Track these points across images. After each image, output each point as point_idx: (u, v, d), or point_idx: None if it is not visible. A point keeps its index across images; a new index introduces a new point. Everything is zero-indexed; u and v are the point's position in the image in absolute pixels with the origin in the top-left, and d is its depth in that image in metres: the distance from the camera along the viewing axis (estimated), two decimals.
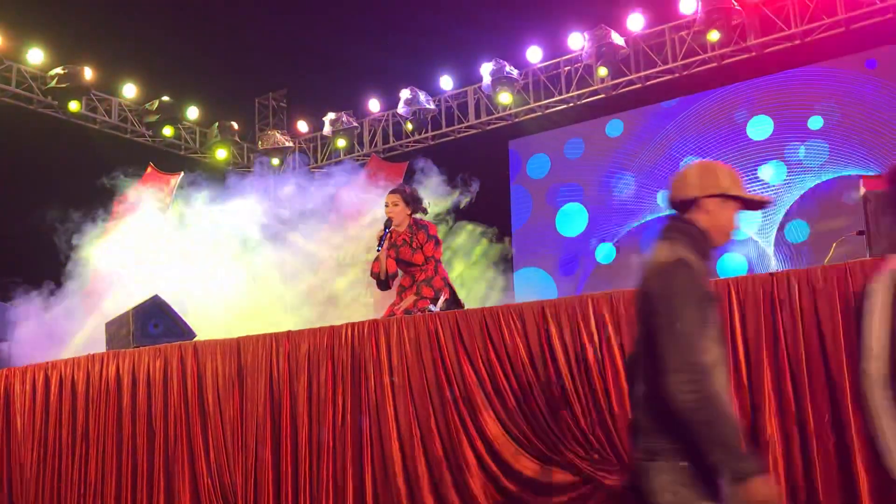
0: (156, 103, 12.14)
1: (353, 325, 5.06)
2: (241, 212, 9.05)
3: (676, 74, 10.87)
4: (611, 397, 4.16)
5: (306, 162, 13.69)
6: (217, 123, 12.89)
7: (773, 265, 10.21)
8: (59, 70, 11.06)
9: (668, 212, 2.80)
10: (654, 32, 10.85)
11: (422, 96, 12.12)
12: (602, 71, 10.83)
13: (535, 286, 11.82)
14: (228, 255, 8.69)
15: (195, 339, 6.19)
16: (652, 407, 2.59)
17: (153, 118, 12.17)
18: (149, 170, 10.08)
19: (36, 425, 6.14)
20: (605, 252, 11.71)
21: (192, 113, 12.96)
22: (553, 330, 4.37)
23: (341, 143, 12.92)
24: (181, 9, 11.69)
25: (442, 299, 5.76)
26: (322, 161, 13.52)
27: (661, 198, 11.27)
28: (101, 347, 6.61)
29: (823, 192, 10.15)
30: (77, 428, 5.94)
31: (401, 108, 12.28)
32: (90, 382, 5.96)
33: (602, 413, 4.19)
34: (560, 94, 11.61)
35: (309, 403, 5.05)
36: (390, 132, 13.00)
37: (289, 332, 5.31)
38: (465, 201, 8.96)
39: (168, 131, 12.36)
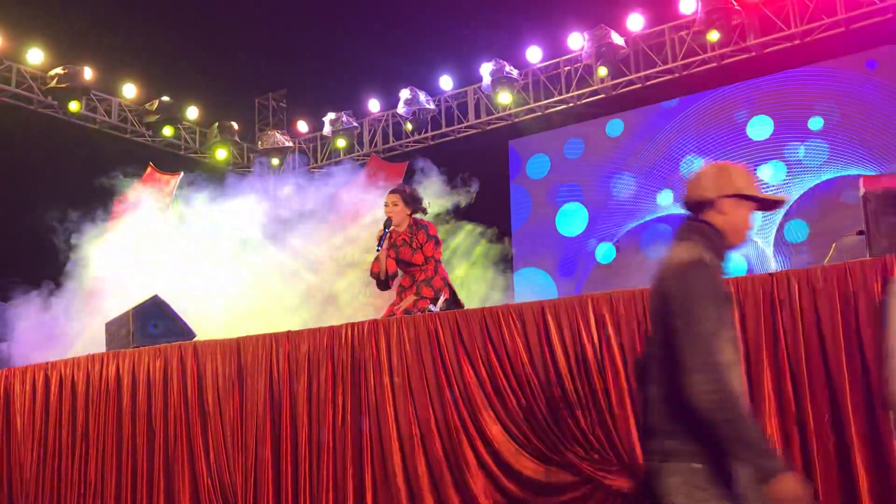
0: (156, 103, 12.14)
1: (353, 325, 5.05)
2: (240, 212, 9.05)
3: (676, 74, 10.87)
4: (611, 397, 4.16)
5: (306, 162, 13.70)
6: (217, 123, 12.89)
7: (773, 265, 10.21)
8: (59, 70, 11.06)
9: (682, 212, 2.80)
10: (654, 32, 10.85)
11: (422, 96, 12.12)
12: (602, 71, 10.83)
13: (535, 286, 11.82)
14: (228, 255, 8.69)
15: (195, 339, 6.19)
16: (668, 408, 2.58)
17: (153, 118, 12.17)
18: (148, 170, 10.09)
19: (36, 425, 6.14)
20: (604, 251, 11.72)
21: (192, 113, 12.96)
22: (553, 330, 4.37)
23: (341, 143, 12.92)
24: (181, 9, 11.68)
25: (442, 299, 5.76)
26: (322, 161, 13.52)
27: (662, 198, 11.28)
28: (101, 347, 6.61)
29: (823, 192, 10.15)
30: (77, 428, 5.94)
31: (401, 108, 12.29)
32: (90, 382, 5.95)
33: (602, 413, 4.19)
34: (560, 94, 11.61)
35: (309, 403, 5.04)
36: (390, 132, 13.00)
37: (289, 333, 5.30)
38: (465, 201, 8.97)
39: (168, 131, 12.36)
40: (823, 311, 3.77)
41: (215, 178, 9.92)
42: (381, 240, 5.92)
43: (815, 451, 3.68)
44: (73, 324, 8.40)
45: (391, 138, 13.00)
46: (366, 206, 8.54)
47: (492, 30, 11.51)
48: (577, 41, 11.07)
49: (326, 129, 12.93)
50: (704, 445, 2.49)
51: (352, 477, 4.80)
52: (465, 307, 5.81)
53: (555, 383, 4.31)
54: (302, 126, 13.78)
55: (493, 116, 12.16)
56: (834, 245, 4.39)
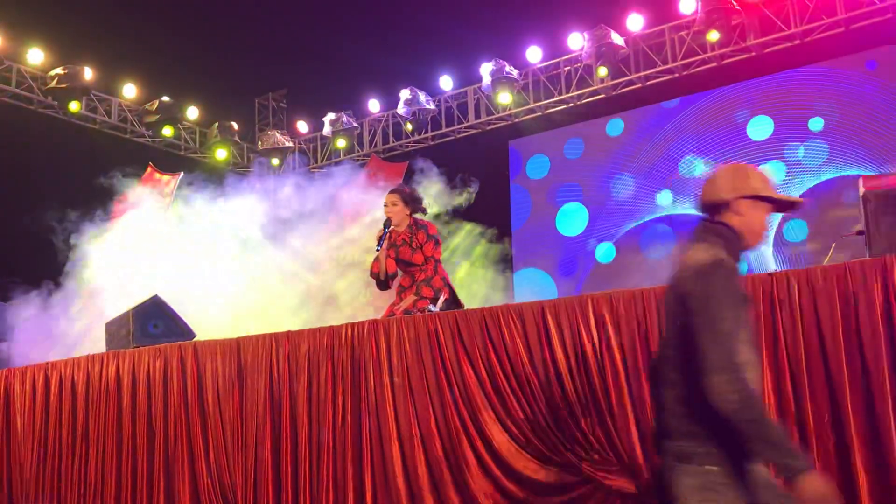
0: (156, 103, 12.14)
1: (352, 325, 5.05)
2: (240, 212, 9.05)
3: (676, 74, 10.88)
4: (611, 397, 4.16)
5: (306, 162, 13.70)
6: (217, 123, 12.89)
7: (772, 265, 10.21)
8: (59, 70, 11.06)
9: (681, 212, 2.80)
10: (654, 32, 10.85)
11: (421, 96, 12.12)
12: (602, 71, 10.83)
13: (534, 286, 11.82)
14: (228, 255, 8.69)
15: (195, 339, 6.19)
16: (684, 409, 2.57)
17: (153, 118, 12.17)
18: (148, 170, 10.09)
19: (36, 425, 6.14)
20: (604, 251, 11.72)
21: (192, 113, 12.96)
22: (553, 330, 4.37)
23: (341, 143, 12.92)
24: (181, 9, 11.68)
25: (441, 299, 5.76)
26: (322, 161, 13.52)
27: (662, 198, 11.28)
28: (100, 347, 6.61)
29: (823, 192, 10.15)
30: (77, 428, 5.94)
31: (401, 109, 12.29)
32: (90, 383, 5.95)
33: (602, 413, 4.19)
34: (560, 94, 11.62)
35: (309, 403, 5.04)
36: (390, 132, 13.00)
37: (289, 333, 5.30)
38: (464, 201, 8.97)
39: (168, 131, 12.36)
40: (823, 311, 3.77)
41: (215, 178, 9.92)
42: (380, 240, 5.92)
43: (815, 451, 3.68)
44: (73, 324, 8.40)
45: (391, 138, 13.00)
46: (366, 207, 8.54)
47: (492, 30, 11.52)
48: (577, 41, 11.07)
49: (326, 130, 12.94)
50: (721, 447, 2.49)
51: (352, 477, 4.80)
52: (465, 307, 5.81)
53: (555, 383, 4.31)
54: (302, 126, 13.78)
55: (493, 116, 12.16)
56: (834, 245, 4.39)
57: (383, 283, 6.08)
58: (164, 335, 6.19)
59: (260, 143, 13.38)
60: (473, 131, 12.47)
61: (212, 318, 7.47)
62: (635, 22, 10.78)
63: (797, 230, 10.27)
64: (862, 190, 4.18)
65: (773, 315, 3.87)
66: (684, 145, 11.33)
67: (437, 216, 8.16)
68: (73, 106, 11.23)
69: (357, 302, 8.02)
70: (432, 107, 12.31)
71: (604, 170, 11.93)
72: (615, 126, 11.94)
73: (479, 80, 11.75)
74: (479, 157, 11.97)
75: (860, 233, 4.22)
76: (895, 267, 3.65)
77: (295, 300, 8.29)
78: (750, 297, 2.74)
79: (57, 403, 6.09)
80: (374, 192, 8.58)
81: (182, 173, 9.87)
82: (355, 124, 12.99)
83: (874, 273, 3.70)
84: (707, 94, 11.24)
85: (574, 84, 11.45)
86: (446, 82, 12.30)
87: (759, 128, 10.80)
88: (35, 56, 11.09)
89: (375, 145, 13.12)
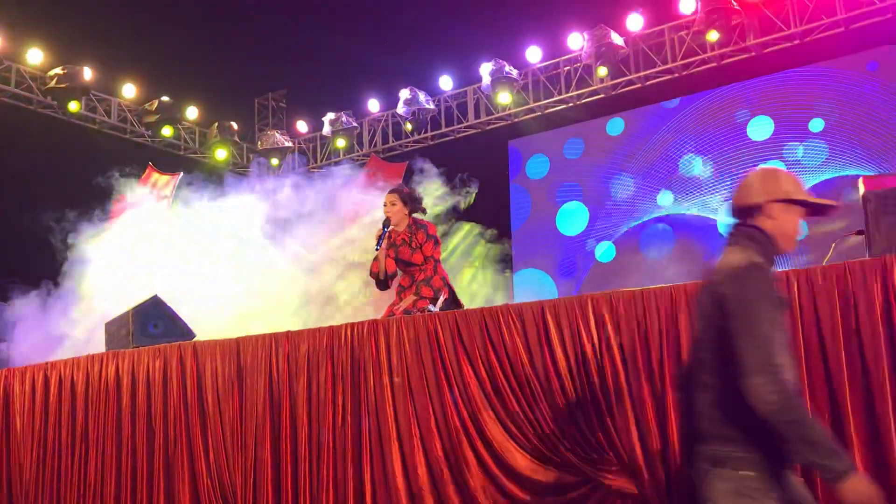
0: (155, 103, 12.14)
1: (352, 325, 5.05)
2: (240, 212, 9.04)
3: (676, 74, 10.88)
4: (611, 397, 4.16)
5: (305, 162, 13.70)
6: (216, 123, 12.89)
7: None
8: (58, 70, 11.06)
9: (732, 219, 2.80)
10: (654, 32, 10.86)
11: (421, 96, 12.12)
12: (601, 71, 10.83)
13: (534, 287, 11.83)
14: (227, 255, 8.68)
15: (195, 339, 6.18)
16: (719, 413, 2.56)
17: (153, 118, 12.17)
18: (148, 170, 10.08)
19: (35, 426, 6.14)
20: (604, 250, 11.72)
21: (192, 113, 12.96)
22: (553, 330, 4.37)
23: (341, 143, 12.92)
24: (181, 9, 11.69)
25: (441, 299, 5.76)
26: (321, 161, 13.52)
27: (662, 198, 11.28)
28: (100, 347, 6.61)
29: (822, 192, 10.15)
30: (76, 428, 5.94)
31: (400, 109, 12.29)
32: (90, 383, 5.95)
33: (602, 413, 4.18)
34: (559, 94, 11.62)
35: (308, 404, 5.04)
36: (390, 132, 13.01)
37: (288, 333, 5.30)
38: (464, 201, 8.96)
39: (167, 131, 12.36)
40: (823, 310, 3.77)
41: (214, 178, 9.91)
42: (380, 239, 5.92)
43: None
44: (73, 324, 8.39)
45: (391, 138, 13.00)
46: (365, 207, 8.53)
47: (492, 30, 11.52)
48: (576, 41, 11.07)
49: (326, 130, 12.93)
50: (759, 451, 2.47)
51: (352, 477, 4.80)
52: (465, 307, 5.81)
53: (555, 383, 4.31)
54: (301, 126, 13.78)
55: (493, 116, 12.16)
56: (833, 245, 4.39)
57: (383, 283, 6.08)
58: (164, 335, 6.18)
59: (259, 143, 13.37)
60: (473, 131, 12.47)
61: (211, 319, 7.47)
62: (635, 22, 10.78)
63: None
64: (862, 190, 4.18)
65: None
66: (684, 145, 11.33)
67: (436, 216, 8.16)
68: (73, 106, 11.23)
69: (357, 302, 8.02)
70: (432, 107, 12.31)
71: (603, 170, 11.94)
72: (615, 125, 11.95)
73: (479, 79, 11.75)
74: (479, 157, 11.96)
75: (860, 233, 4.22)
76: (895, 267, 3.65)
77: (295, 300, 8.28)
78: (786, 301, 2.73)
79: (56, 403, 6.08)
80: (373, 192, 8.57)
81: (182, 173, 9.87)
82: (355, 124, 12.99)
83: (874, 273, 3.69)
84: (707, 93, 11.25)
85: (574, 84, 11.46)
86: (446, 82, 12.30)
87: (759, 128, 10.80)
88: (34, 56, 11.09)
89: (375, 145, 13.12)
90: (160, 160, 11.12)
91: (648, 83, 11.06)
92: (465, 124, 12.40)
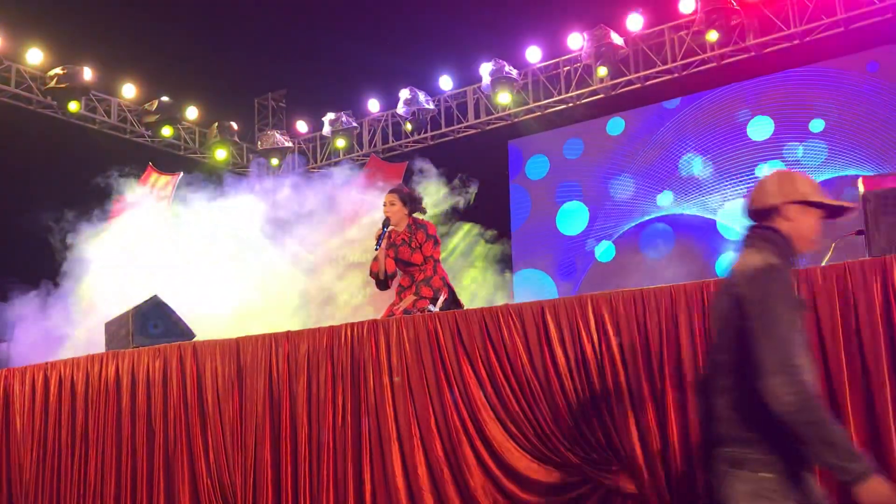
0: (155, 103, 12.14)
1: (352, 325, 5.05)
2: (239, 212, 9.05)
3: (676, 74, 10.88)
4: (611, 397, 4.16)
5: (305, 162, 13.70)
6: (216, 123, 12.89)
7: None
8: (58, 70, 11.06)
9: (748, 222, 2.80)
10: (654, 32, 10.85)
11: (421, 96, 12.12)
12: (601, 71, 10.83)
13: (534, 287, 11.83)
14: (227, 255, 8.69)
15: (195, 339, 6.18)
16: (738, 415, 2.56)
17: (152, 118, 12.17)
18: (148, 170, 10.09)
19: (35, 426, 6.13)
20: (604, 250, 11.72)
21: (192, 113, 12.96)
22: (553, 330, 4.37)
23: (340, 143, 12.92)
24: (181, 9, 11.68)
25: (441, 299, 5.76)
26: (321, 161, 13.52)
27: (662, 198, 11.28)
28: (100, 348, 6.60)
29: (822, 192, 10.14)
30: (76, 428, 5.94)
31: (400, 109, 12.29)
32: (90, 383, 5.95)
33: (602, 413, 4.19)
34: (559, 94, 11.62)
35: (308, 404, 5.04)
36: (389, 132, 13.00)
37: (288, 333, 5.30)
38: (464, 202, 8.96)
39: (167, 131, 12.36)
40: (823, 310, 3.77)
41: (214, 178, 9.92)
42: (379, 239, 5.92)
43: None
44: (73, 324, 8.39)
45: (391, 138, 13.00)
46: (365, 207, 8.54)
47: (491, 30, 11.52)
48: (576, 41, 11.07)
49: (326, 130, 12.93)
50: (778, 453, 2.47)
51: (352, 477, 4.80)
52: (465, 307, 5.81)
53: (555, 383, 4.31)
54: (301, 126, 13.77)
55: (493, 116, 12.16)
56: (833, 245, 4.39)
57: (383, 283, 6.08)
58: (164, 335, 6.18)
59: (259, 143, 13.37)
60: (473, 131, 12.47)
61: (211, 319, 7.47)
62: (635, 22, 10.78)
63: None
64: (861, 190, 4.18)
65: None
66: (684, 145, 11.33)
67: (436, 216, 8.16)
68: (73, 106, 11.23)
69: (356, 302, 8.02)
70: (432, 107, 12.31)
71: (603, 170, 11.94)
72: (615, 125, 11.95)
73: (479, 79, 11.75)
74: (479, 157, 11.96)
75: (859, 233, 4.22)
76: (895, 267, 3.65)
77: (294, 300, 8.29)
78: (805, 302, 2.73)
79: (56, 404, 6.08)
80: (373, 193, 8.58)
81: (181, 173, 9.88)
82: (355, 124, 12.99)
83: (874, 273, 3.70)
84: (707, 93, 11.25)
85: (574, 84, 11.46)
86: (446, 82, 12.30)
87: (759, 128, 10.80)
88: (34, 56, 11.09)
89: (375, 145, 13.12)
90: (160, 160, 11.13)
91: (648, 83, 11.06)
92: (465, 124, 12.40)
